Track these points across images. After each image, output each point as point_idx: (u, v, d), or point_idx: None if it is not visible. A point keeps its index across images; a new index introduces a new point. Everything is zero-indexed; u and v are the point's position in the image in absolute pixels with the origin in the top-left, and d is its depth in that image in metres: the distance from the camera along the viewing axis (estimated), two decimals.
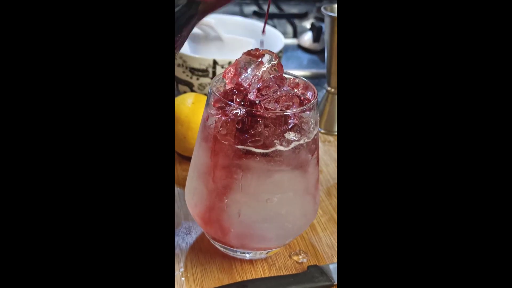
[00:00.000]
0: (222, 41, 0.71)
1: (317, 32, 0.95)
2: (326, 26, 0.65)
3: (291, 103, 0.41)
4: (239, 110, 0.40)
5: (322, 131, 0.69)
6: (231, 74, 0.43)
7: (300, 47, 0.98)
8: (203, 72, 0.67)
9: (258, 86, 0.41)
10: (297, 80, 0.44)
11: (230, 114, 0.41)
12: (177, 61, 0.67)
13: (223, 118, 0.41)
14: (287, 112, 0.40)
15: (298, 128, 0.41)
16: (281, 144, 0.41)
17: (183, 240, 0.49)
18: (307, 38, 0.98)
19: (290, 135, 0.41)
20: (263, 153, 0.40)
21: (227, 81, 0.43)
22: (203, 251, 0.48)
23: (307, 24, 1.04)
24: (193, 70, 0.67)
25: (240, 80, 0.42)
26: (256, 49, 0.43)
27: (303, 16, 1.07)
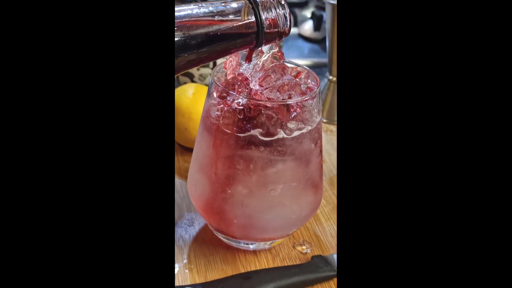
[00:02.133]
0: None
1: (317, 21, 0.94)
2: (327, 15, 0.64)
3: (293, 92, 0.41)
4: (241, 100, 0.40)
5: (324, 120, 0.69)
6: (232, 64, 0.43)
7: (300, 36, 0.98)
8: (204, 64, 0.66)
9: (260, 75, 0.41)
10: (299, 68, 0.44)
11: (232, 104, 0.40)
12: None
13: (225, 108, 0.40)
14: (290, 101, 0.40)
15: (300, 117, 0.41)
16: (284, 133, 0.40)
17: (186, 232, 0.49)
18: (307, 27, 0.97)
19: (293, 124, 0.40)
20: (266, 142, 0.40)
21: (228, 72, 0.42)
22: (206, 242, 0.48)
23: (308, 13, 1.04)
24: None
25: (241, 70, 0.42)
26: None
27: (303, 4, 1.06)
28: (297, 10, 1.03)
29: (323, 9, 0.90)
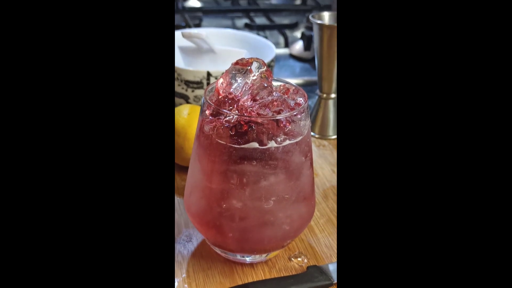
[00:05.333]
0: (215, 53, 0.72)
1: (307, 41, 0.96)
2: (315, 34, 0.65)
3: (282, 108, 0.42)
4: (232, 117, 0.41)
5: (317, 136, 0.69)
6: (223, 84, 0.43)
7: (292, 56, 0.99)
8: (198, 84, 0.67)
9: (249, 93, 0.42)
10: (287, 85, 0.45)
11: (224, 121, 0.41)
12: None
13: (217, 125, 0.41)
14: (279, 117, 0.41)
15: (290, 131, 0.42)
16: (275, 146, 0.41)
17: (184, 248, 0.49)
18: (298, 47, 0.99)
19: (283, 138, 0.41)
20: (258, 156, 0.41)
21: (220, 92, 0.43)
22: (204, 257, 0.48)
23: (298, 33, 1.05)
24: (188, 83, 0.68)
25: (232, 89, 0.43)
26: (243, 58, 0.44)
27: (293, 26, 1.08)
28: (288, 32, 1.04)
29: (312, 29, 0.92)
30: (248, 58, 0.43)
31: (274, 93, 0.43)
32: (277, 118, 0.41)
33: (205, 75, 0.67)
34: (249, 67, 0.43)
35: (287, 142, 0.42)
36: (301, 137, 0.43)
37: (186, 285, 0.44)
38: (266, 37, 0.88)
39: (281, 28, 1.06)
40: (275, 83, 0.44)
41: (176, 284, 0.45)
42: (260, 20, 1.11)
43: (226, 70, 0.43)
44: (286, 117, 0.41)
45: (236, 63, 0.43)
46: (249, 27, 1.05)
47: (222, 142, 0.41)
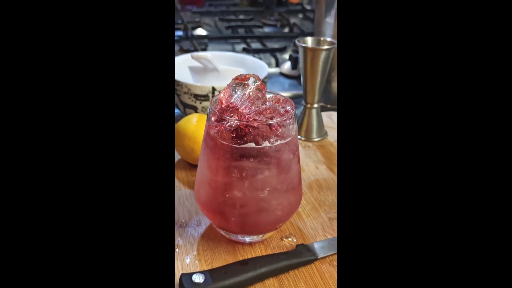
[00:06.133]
0: (218, 71, 0.72)
1: (294, 61, 0.97)
2: (300, 55, 0.66)
3: (274, 115, 0.42)
4: (233, 122, 0.41)
5: (303, 138, 0.70)
6: (226, 95, 0.44)
7: (281, 74, 1.00)
8: (205, 97, 0.68)
9: (247, 102, 0.43)
10: (278, 96, 0.45)
11: (227, 126, 0.42)
12: (183, 89, 0.68)
13: (221, 129, 0.42)
14: (271, 122, 0.41)
15: (280, 134, 0.42)
16: (268, 145, 0.42)
17: (195, 230, 0.49)
18: (286, 67, 0.99)
19: (274, 139, 0.42)
20: (254, 153, 0.41)
21: (223, 102, 0.44)
22: (211, 238, 0.48)
23: (286, 56, 1.06)
24: (196, 96, 0.68)
25: (232, 100, 0.43)
26: (242, 74, 0.44)
27: (282, 49, 1.09)
28: (278, 54, 1.05)
29: (298, 52, 0.93)
30: (246, 74, 0.44)
31: (267, 103, 0.43)
32: (270, 123, 0.41)
33: (211, 89, 0.67)
34: (247, 82, 0.43)
35: (278, 142, 0.42)
36: (289, 138, 0.43)
37: (196, 261, 0.45)
38: (260, 59, 0.89)
39: (272, 51, 1.06)
40: (268, 95, 0.45)
41: (188, 260, 0.45)
42: (255, 45, 1.12)
43: (227, 84, 0.44)
44: (277, 122, 0.42)
45: (236, 78, 0.44)
46: (246, 50, 1.05)
47: (225, 143, 0.42)
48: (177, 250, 0.46)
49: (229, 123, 0.41)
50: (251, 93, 0.43)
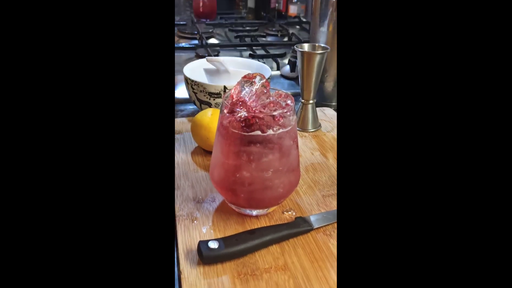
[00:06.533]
0: (229, 73, 0.71)
1: (293, 65, 0.95)
2: (298, 59, 0.65)
3: (276, 107, 0.42)
4: (242, 114, 0.40)
5: (300, 129, 0.69)
6: (236, 91, 0.43)
7: (282, 75, 0.98)
8: (217, 95, 0.67)
9: (254, 97, 0.42)
10: (280, 92, 0.45)
11: (237, 117, 0.41)
12: (199, 88, 0.67)
13: (232, 119, 0.41)
14: (274, 113, 0.41)
15: (282, 123, 0.41)
16: (272, 133, 0.41)
17: (210, 206, 0.49)
18: (286, 69, 0.98)
19: (277, 128, 0.41)
20: (260, 140, 0.41)
21: (234, 97, 0.43)
22: (224, 211, 0.48)
23: (286, 60, 1.05)
24: (210, 94, 0.67)
25: (242, 95, 0.43)
26: (249, 73, 0.43)
27: (283, 55, 1.07)
28: (279, 59, 1.04)
29: (295, 57, 0.92)
30: (253, 73, 0.43)
31: (270, 97, 0.43)
32: (273, 114, 0.41)
33: (222, 88, 0.66)
34: (254, 80, 0.43)
35: (280, 130, 0.42)
36: (290, 127, 0.43)
37: (212, 231, 0.44)
38: (264, 63, 0.87)
39: (274, 57, 1.05)
40: (271, 91, 0.44)
41: (204, 230, 0.44)
42: (260, 51, 1.10)
43: (237, 82, 0.43)
44: (279, 113, 0.41)
45: (245, 77, 0.43)
46: (252, 56, 1.04)
47: (235, 131, 0.41)
48: (195, 222, 0.46)
49: (239, 115, 0.41)
50: (257, 89, 0.42)
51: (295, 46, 0.65)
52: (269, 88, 0.43)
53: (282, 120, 0.42)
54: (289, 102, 0.43)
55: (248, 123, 0.40)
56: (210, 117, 0.58)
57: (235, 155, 0.42)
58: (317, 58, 0.62)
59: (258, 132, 0.41)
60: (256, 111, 0.41)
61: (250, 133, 0.41)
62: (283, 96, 0.44)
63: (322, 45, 0.65)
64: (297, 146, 0.45)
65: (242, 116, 0.41)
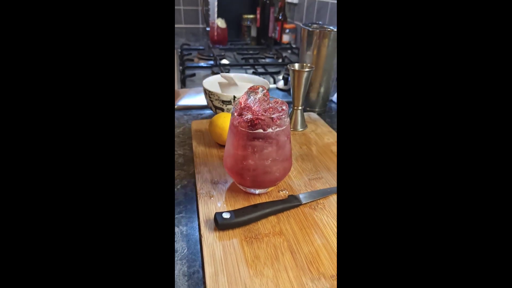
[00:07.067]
0: (237, 85, 0.71)
1: (285, 80, 0.95)
2: (290, 75, 0.65)
3: (274, 112, 0.42)
4: (248, 116, 0.41)
5: (291, 129, 0.69)
6: (243, 99, 0.44)
7: (277, 88, 0.98)
8: (229, 102, 0.67)
9: (257, 103, 0.42)
10: (277, 99, 0.45)
11: (244, 119, 0.41)
12: (215, 97, 0.67)
13: (240, 120, 0.42)
14: (273, 116, 0.41)
15: (279, 124, 0.42)
16: (271, 130, 0.41)
17: (223, 186, 0.49)
18: (280, 84, 0.98)
19: (275, 127, 0.41)
20: (262, 136, 0.41)
21: (242, 103, 0.43)
22: (234, 190, 0.48)
23: (280, 76, 1.05)
24: (223, 101, 0.67)
25: (248, 102, 0.43)
26: (253, 86, 0.44)
27: (278, 72, 1.07)
28: (275, 75, 1.04)
29: (288, 74, 0.92)
30: (256, 85, 0.43)
31: (270, 104, 0.43)
32: (272, 116, 0.41)
33: (232, 97, 0.66)
34: (257, 90, 0.43)
35: (277, 129, 0.42)
36: (285, 126, 0.43)
37: (225, 205, 0.45)
38: (264, 78, 0.88)
39: (271, 74, 1.05)
40: (270, 99, 0.44)
41: (219, 204, 0.45)
42: (260, 69, 1.10)
43: (244, 92, 0.43)
44: (277, 116, 0.41)
45: (250, 88, 0.43)
46: (254, 73, 1.04)
47: (243, 129, 0.42)
48: (212, 198, 0.46)
49: (245, 117, 0.41)
50: (260, 98, 0.43)
51: (288, 65, 0.65)
52: (268, 97, 0.44)
53: (278, 121, 0.42)
54: (284, 107, 0.43)
55: (253, 123, 0.41)
56: (223, 119, 0.58)
57: (242, 147, 0.43)
58: (305, 74, 0.63)
59: (260, 130, 0.41)
60: (259, 114, 0.41)
61: (254, 131, 0.41)
62: (279, 103, 0.44)
63: (309, 64, 0.66)
64: (290, 141, 0.46)
65: (248, 118, 0.41)
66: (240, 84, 0.72)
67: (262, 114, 0.41)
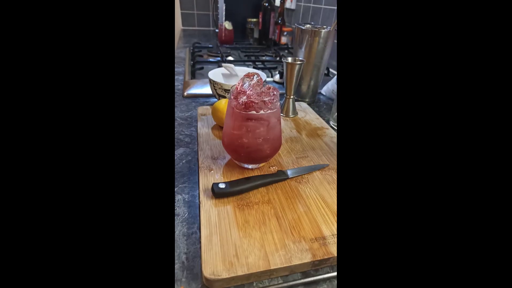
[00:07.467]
0: (238, 76, 0.68)
1: (281, 74, 0.92)
2: (284, 67, 0.62)
3: (266, 95, 0.39)
4: (243, 99, 0.38)
5: (283, 115, 0.66)
6: (239, 84, 0.41)
7: (274, 81, 0.95)
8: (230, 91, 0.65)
9: (251, 88, 0.39)
10: (269, 85, 0.42)
11: (240, 101, 0.39)
12: (218, 86, 0.65)
13: (236, 102, 0.39)
14: (265, 99, 0.38)
15: (270, 106, 0.39)
16: (263, 112, 0.39)
17: (222, 161, 0.47)
18: (277, 77, 0.94)
19: (267, 109, 0.39)
20: (255, 117, 0.39)
21: (238, 88, 0.41)
22: (231, 165, 0.46)
23: (277, 71, 1.01)
24: (225, 90, 0.65)
25: (243, 87, 0.40)
26: (249, 72, 0.41)
27: (275, 68, 1.03)
28: (272, 70, 1.00)
29: (283, 68, 0.88)
30: (251, 72, 0.41)
31: (262, 89, 0.40)
32: (264, 100, 0.39)
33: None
34: (252, 77, 0.40)
35: (269, 111, 0.40)
36: (275, 109, 0.40)
37: (222, 177, 0.43)
38: (262, 72, 0.84)
39: (269, 69, 1.01)
40: (264, 85, 0.42)
41: (217, 176, 0.43)
42: (260, 65, 1.07)
43: (240, 78, 0.41)
44: (268, 100, 0.39)
45: (246, 74, 0.41)
46: (254, 68, 1.00)
47: (238, 111, 0.39)
48: (211, 171, 0.44)
49: (241, 100, 0.39)
50: (254, 83, 0.40)
51: (282, 59, 0.62)
52: (262, 83, 0.41)
53: (270, 105, 0.39)
54: (275, 92, 0.41)
55: (247, 106, 0.38)
56: (223, 104, 0.56)
57: (238, 127, 0.40)
58: (297, 67, 0.60)
59: (253, 112, 0.39)
60: (253, 97, 0.39)
61: (248, 113, 0.39)
62: (271, 89, 0.42)
63: (300, 58, 0.62)
64: (280, 122, 0.43)
65: (243, 101, 0.38)
66: (240, 75, 0.69)
67: (256, 98, 0.39)
